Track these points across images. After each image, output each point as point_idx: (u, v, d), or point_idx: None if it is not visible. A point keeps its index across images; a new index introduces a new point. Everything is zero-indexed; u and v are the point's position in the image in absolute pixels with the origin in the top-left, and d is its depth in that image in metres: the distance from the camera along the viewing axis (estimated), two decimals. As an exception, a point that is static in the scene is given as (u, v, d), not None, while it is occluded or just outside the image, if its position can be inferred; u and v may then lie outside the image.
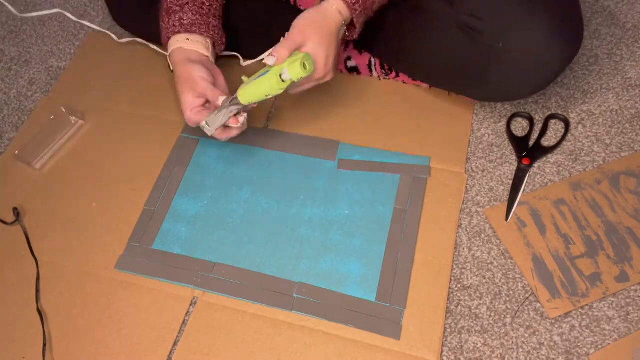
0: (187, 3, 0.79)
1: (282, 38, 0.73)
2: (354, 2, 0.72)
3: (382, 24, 0.83)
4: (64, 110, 0.92)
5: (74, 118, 0.93)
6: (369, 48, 0.93)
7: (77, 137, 0.92)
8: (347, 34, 0.78)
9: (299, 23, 0.72)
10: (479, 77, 0.78)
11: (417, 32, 0.80)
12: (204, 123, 0.75)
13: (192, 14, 0.79)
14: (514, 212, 0.79)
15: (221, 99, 0.75)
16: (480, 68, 0.76)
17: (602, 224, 0.76)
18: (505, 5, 0.72)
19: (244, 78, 0.75)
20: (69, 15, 1.09)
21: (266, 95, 0.71)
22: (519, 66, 0.74)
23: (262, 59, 0.68)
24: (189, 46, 0.79)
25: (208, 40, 0.81)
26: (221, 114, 0.74)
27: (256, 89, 0.71)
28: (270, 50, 0.71)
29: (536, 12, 0.71)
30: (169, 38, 0.80)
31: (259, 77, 0.71)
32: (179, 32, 0.79)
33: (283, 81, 0.70)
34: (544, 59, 0.73)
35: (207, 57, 0.80)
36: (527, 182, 0.81)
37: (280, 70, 0.70)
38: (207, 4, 0.81)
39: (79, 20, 1.08)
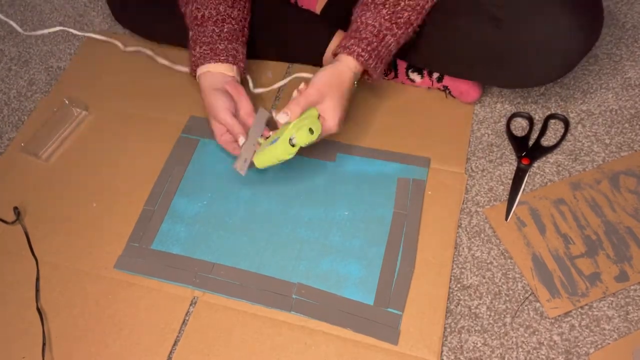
0: (215, 31, 0.82)
1: (295, 92, 0.75)
2: (366, 58, 0.75)
3: None
4: (67, 102, 0.92)
5: (77, 110, 0.93)
6: None
7: (78, 132, 0.92)
8: (366, 77, 0.80)
9: (316, 82, 0.74)
10: (499, 64, 0.79)
11: (438, 23, 0.80)
12: (235, 165, 0.78)
13: (228, 42, 0.82)
14: (514, 211, 0.79)
15: (241, 140, 0.78)
16: (501, 55, 0.77)
17: (601, 223, 0.76)
18: None
19: (260, 140, 0.78)
20: (72, 30, 1.09)
21: (278, 160, 0.75)
22: (541, 53, 0.75)
23: (275, 115, 0.74)
24: (215, 69, 0.82)
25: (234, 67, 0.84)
26: (241, 161, 0.78)
27: (269, 155, 0.75)
28: (285, 107, 0.73)
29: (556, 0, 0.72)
30: (197, 66, 0.83)
31: (272, 142, 0.75)
32: (208, 62, 0.82)
33: (293, 146, 0.73)
34: (565, 46, 0.74)
35: (233, 77, 0.83)
36: (526, 181, 0.81)
37: (290, 135, 0.72)
38: (234, 29, 0.83)
39: (83, 34, 1.08)
